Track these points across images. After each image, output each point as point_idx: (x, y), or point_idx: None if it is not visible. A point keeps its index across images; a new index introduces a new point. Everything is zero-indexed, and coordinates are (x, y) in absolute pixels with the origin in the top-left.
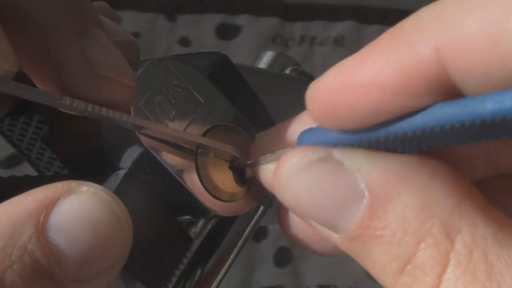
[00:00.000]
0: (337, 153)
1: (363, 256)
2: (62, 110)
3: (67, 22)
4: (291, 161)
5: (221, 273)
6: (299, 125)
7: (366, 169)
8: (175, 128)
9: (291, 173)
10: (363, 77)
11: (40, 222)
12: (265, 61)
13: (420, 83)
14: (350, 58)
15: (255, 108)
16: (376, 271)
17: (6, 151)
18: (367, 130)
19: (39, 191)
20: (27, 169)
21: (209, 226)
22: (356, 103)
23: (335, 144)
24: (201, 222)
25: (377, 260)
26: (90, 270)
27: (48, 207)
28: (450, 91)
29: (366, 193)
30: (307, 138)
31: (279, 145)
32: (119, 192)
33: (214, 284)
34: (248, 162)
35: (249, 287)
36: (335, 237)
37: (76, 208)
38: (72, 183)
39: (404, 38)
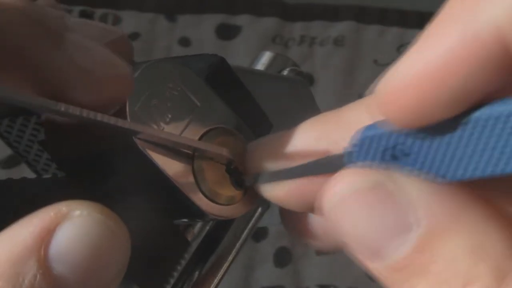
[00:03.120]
0: (390, 182)
1: None
2: (58, 116)
3: (40, 35)
4: (340, 185)
5: (219, 274)
6: (299, 136)
7: (419, 203)
8: (172, 131)
9: (339, 199)
10: (438, 59)
11: (42, 257)
12: (263, 61)
13: (484, 64)
14: (417, 45)
15: (252, 110)
16: None
17: (5, 151)
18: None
19: (33, 223)
20: (26, 170)
21: (207, 228)
22: (437, 91)
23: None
24: (199, 224)
25: None
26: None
27: (45, 238)
28: None
29: (417, 226)
30: (365, 138)
31: (273, 154)
32: (117, 196)
33: (212, 286)
34: (248, 175)
35: (249, 287)
36: (374, 265)
37: (73, 235)
38: (63, 208)
39: (470, 11)
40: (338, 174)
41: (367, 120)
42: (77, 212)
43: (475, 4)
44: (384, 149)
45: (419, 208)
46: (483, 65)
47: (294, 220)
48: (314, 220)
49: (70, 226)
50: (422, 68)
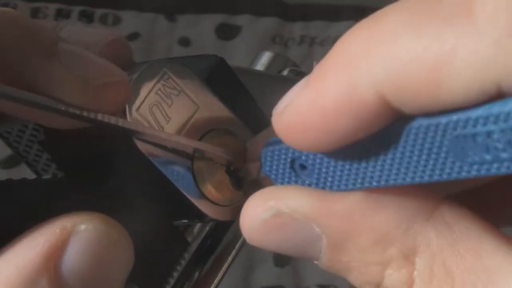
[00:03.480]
0: (285, 208)
1: (342, 277)
2: (58, 115)
3: (32, 46)
4: (248, 220)
5: (219, 275)
6: None
7: (315, 217)
8: (171, 131)
9: (251, 231)
10: (315, 115)
11: (52, 275)
12: (263, 62)
13: (367, 118)
14: (306, 83)
15: (252, 111)
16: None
17: (5, 151)
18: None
19: (40, 242)
20: (26, 170)
21: (207, 229)
22: (320, 131)
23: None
24: (198, 225)
25: (353, 281)
26: None
27: (54, 256)
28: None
29: (323, 235)
30: (269, 154)
31: None
32: (117, 197)
33: (212, 286)
34: (244, 167)
35: (248, 287)
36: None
37: (81, 250)
38: (68, 224)
39: (344, 76)
40: (245, 204)
41: None
42: (83, 227)
43: (358, 62)
44: (287, 161)
45: (317, 221)
46: (363, 116)
47: None
48: None
49: (77, 242)
50: (313, 112)
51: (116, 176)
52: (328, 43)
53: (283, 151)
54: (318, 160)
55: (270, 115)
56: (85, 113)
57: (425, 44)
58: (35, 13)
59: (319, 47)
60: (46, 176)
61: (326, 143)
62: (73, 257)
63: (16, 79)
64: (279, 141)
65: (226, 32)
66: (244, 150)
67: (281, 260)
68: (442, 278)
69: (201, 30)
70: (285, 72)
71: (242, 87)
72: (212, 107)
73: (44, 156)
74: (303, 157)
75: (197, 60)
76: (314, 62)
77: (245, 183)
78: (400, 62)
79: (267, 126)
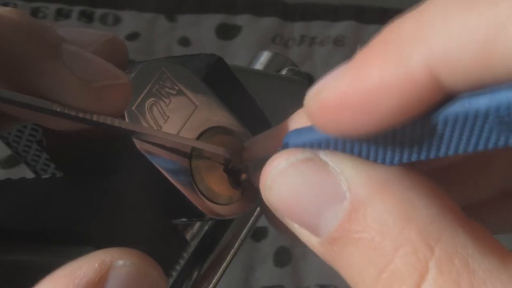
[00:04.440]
0: (323, 155)
1: (341, 261)
2: (54, 116)
3: (37, 48)
4: (278, 160)
5: (218, 274)
6: (292, 128)
7: (349, 172)
8: (170, 130)
9: (277, 171)
10: (357, 97)
11: None
12: (262, 61)
13: (415, 98)
14: (349, 65)
15: (250, 110)
16: (353, 279)
17: (5, 151)
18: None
19: (78, 276)
20: (25, 170)
21: (206, 228)
22: (354, 119)
23: (323, 146)
24: (197, 224)
25: (354, 265)
26: None
27: None
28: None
29: (347, 195)
30: (293, 140)
31: (272, 149)
32: (117, 196)
33: (211, 285)
34: (242, 165)
35: (249, 286)
36: (315, 242)
37: (119, 286)
38: (106, 259)
39: (394, 55)
40: (274, 155)
41: None
42: (121, 262)
43: (411, 41)
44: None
45: (349, 177)
46: (412, 95)
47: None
48: None
49: (116, 278)
50: (356, 91)
51: (114, 175)
52: (328, 43)
53: (311, 140)
54: (347, 150)
55: (268, 113)
56: (81, 114)
57: (478, 15)
58: (35, 13)
59: (319, 47)
60: (45, 176)
61: (364, 126)
62: None
63: (20, 80)
64: (302, 133)
65: (226, 32)
66: (242, 149)
67: (281, 260)
68: (462, 274)
69: (201, 30)
70: (284, 72)
71: (240, 86)
72: (210, 105)
73: (43, 156)
74: (331, 147)
75: (195, 59)
76: (358, 45)
77: (243, 181)
78: (454, 35)
79: (265, 124)
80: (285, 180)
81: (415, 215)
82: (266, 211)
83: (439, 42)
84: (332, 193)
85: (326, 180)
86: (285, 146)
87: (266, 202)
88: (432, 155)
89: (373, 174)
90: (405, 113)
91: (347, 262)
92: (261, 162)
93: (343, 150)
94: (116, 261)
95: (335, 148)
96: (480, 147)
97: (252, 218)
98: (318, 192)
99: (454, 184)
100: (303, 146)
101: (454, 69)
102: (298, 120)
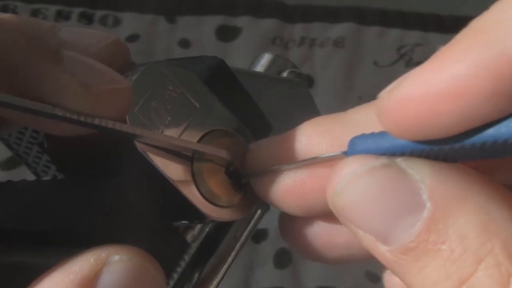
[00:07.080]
0: (402, 162)
1: (414, 271)
2: (56, 120)
3: (37, 53)
4: (352, 166)
5: (218, 276)
6: (300, 138)
7: (430, 181)
8: (171, 133)
9: (351, 177)
10: (445, 84)
11: None
12: (262, 63)
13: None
14: (427, 63)
15: (252, 112)
16: None
17: (6, 153)
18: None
19: (74, 271)
20: (26, 172)
21: (207, 230)
22: (440, 113)
23: (393, 153)
24: (198, 226)
25: (429, 276)
26: None
27: (88, 286)
28: None
29: (428, 205)
30: (361, 146)
31: (276, 155)
32: (117, 197)
33: (212, 287)
34: (246, 171)
35: None
36: (382, 250)
37: (116, 281)
38: (102, 254)
39: (488, 37)
40: (345, 160)
41: (375, 122)
42: (117, 257)
43: (490, 34)
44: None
45: (430, 186)
46: (492, 95)
47: (295, 231)
48: (316, 229)
49: (112, 273)
50: (431, 89)
51: (116, 177)
52: (328, 44)
53: (382, 146)
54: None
55: (270, 116)
56: (82, 118)
57: None
58: (35, 14)
59: (319, 48)
60: (46, 178)
61: (452, 118)
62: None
63: (21, 86)
64: (371, 138)
65: (226, 34)
66: (244, 152)
67: (281, 261)
68: None
69: (201, 31)
70: (284, 74)
71: (242, 88)
72: (211, 108)
73: (44, 157)
74: (407, 153)
75: (197, 61)
76: (441, 45)
77: (244, 184)
78: None
79: (267, 127)
80: (359, 186)
81: (497, 227)
82: (282, 221)
83: None
84: (410, 201)
85: (404, 188)
86: (352, 152)
87: (331, 206)
88: None
89: (453, 183)
90: (502, 101)
91: (421, 272)
92: (263, 167)
93: (419, 156)
94: (112, 256)
95: (411, 154)
96: None
97: (253, 220)
98: (394, 199)
99: None
100: (373, 152)
101: None
102: (306, 131)
